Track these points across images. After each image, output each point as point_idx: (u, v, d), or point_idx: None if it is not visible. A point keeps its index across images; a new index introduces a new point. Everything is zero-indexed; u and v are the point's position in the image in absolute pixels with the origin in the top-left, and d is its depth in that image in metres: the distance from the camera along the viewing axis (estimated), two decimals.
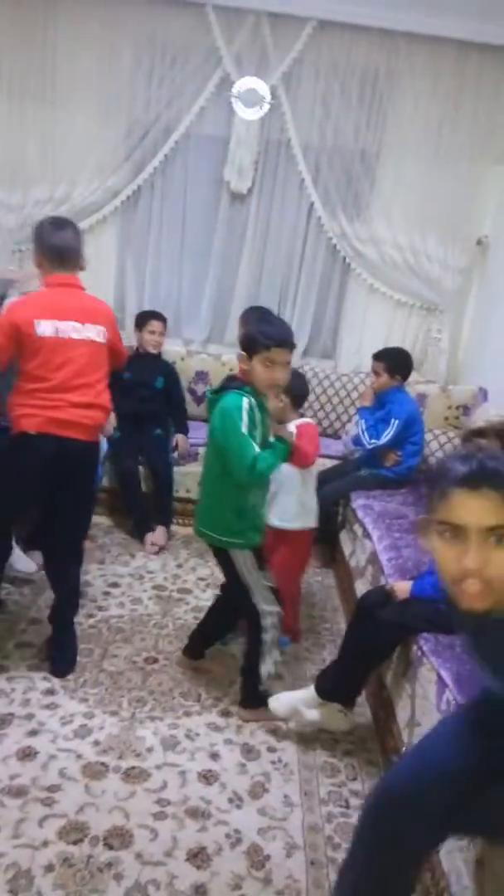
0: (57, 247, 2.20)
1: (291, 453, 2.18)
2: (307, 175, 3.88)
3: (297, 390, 2.52)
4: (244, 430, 1.99)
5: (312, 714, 2.09)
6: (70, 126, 3.80)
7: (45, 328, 2.12)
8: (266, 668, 2.19)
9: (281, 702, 2.11)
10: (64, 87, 3.77)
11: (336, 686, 2.09)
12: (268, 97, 3.69)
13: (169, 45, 3.75)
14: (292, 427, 2.53)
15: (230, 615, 2.40)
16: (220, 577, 2.40)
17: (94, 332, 2.23)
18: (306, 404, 3.23)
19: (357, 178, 3.90)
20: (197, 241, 4.07)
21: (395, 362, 3.27)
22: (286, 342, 2.05)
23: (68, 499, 2.28)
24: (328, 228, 3.96)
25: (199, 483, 2.27)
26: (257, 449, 2.01)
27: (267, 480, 2.20)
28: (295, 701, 2.10)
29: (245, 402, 2.02)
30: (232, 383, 2.10)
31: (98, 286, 3.29)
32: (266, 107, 3.71)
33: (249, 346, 2.03)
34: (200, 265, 4.11)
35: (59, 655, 2.34)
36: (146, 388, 3.62)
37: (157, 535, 3.37)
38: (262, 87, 3.70)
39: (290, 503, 2.56)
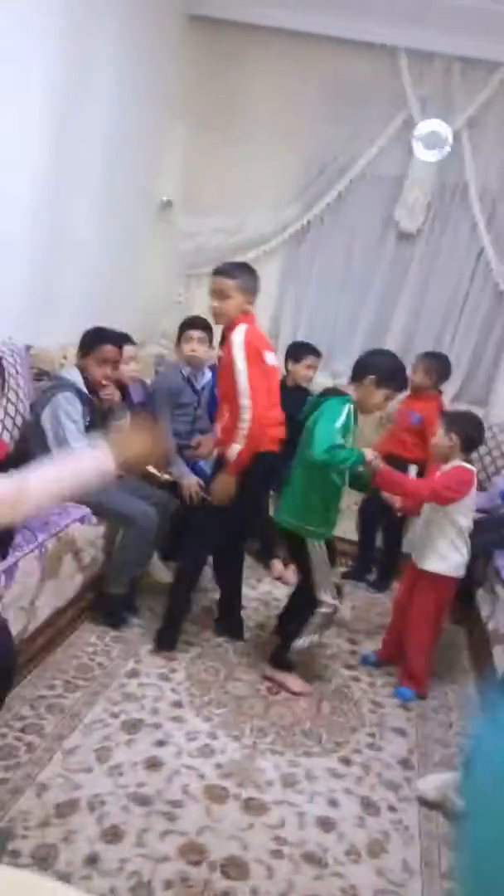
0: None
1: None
2: (481, 219, 3.79)
3: (473, 433, 2.49)
4: (338, 425, 2.20)
5: None
6: (250, 159, 3.93)
7: (269, 357, 2.46)
8: (301, 642, 2.40)
9: (429, 784, 2.04)
10: (248, 120, 3.92)
11: None
12: (450, 140, 3.66)
13: (355, 85, 3.82)
14: (447, 467, 2.47)
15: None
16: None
17: (277, 360, 2.60)
18: None
19: None
20: (358, 276, 4.08)
21: None
22: None
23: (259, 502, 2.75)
24: (497, 274, 3.85)
25: (288, 482, 2.46)
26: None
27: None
28: (442, 784, 2.01)
29: (347, 407, 2.26)
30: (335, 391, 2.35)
31: (256, 314, 3.39)
32: (447, 149, 3.68)
33: (390, 379, 2.31)
34: (359, 300, 4.11)
35: (230, 616, 2.76)
36: (292, 421, 3.64)
37: (287, 572, 3.36)
38: (445, 130, 3.67)
39: (437, 545, 2.50)
